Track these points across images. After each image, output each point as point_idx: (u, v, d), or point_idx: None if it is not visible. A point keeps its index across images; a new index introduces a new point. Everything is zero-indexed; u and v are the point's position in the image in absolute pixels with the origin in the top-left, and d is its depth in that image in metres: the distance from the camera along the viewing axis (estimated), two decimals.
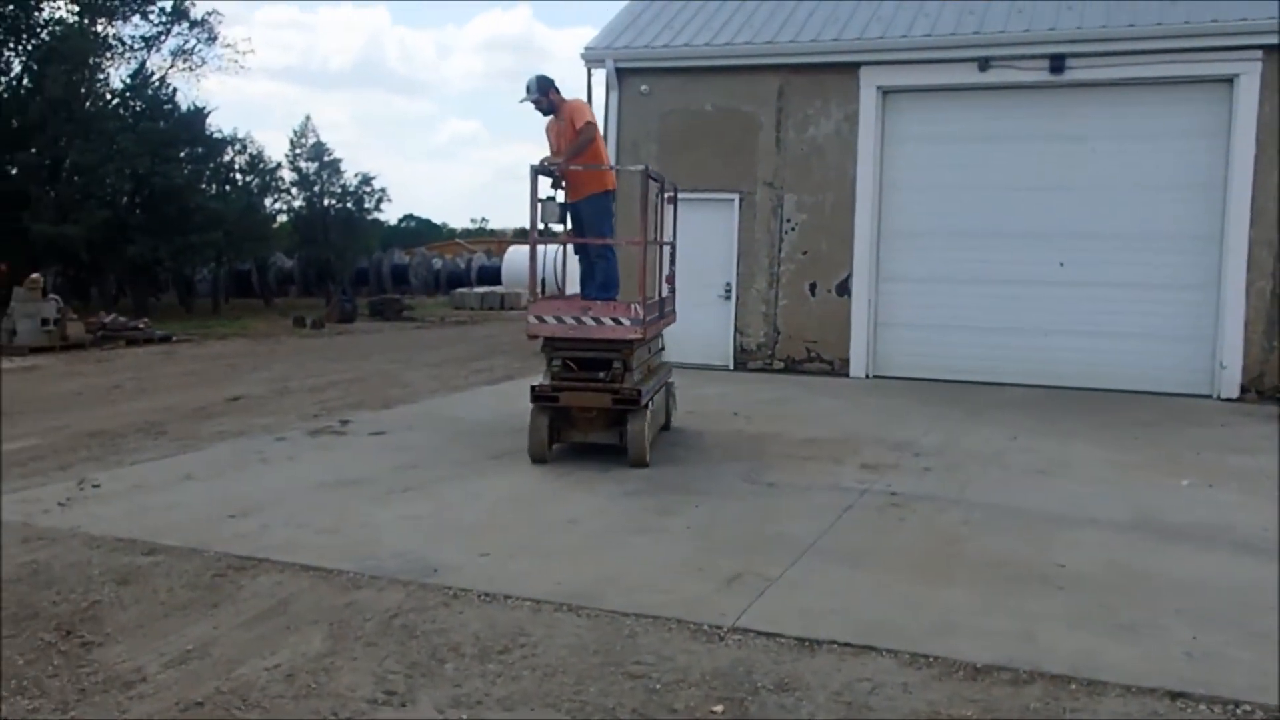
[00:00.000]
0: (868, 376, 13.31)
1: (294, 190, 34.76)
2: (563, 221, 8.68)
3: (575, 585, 5.16)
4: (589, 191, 8.62)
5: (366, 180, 35.90)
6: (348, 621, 4.68)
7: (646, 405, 7.94)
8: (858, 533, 6.25)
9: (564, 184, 8.67)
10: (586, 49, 13.97)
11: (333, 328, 22.96)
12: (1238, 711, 3.93)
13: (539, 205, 8.14)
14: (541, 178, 8.24)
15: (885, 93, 13.20)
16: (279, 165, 33.27)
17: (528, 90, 8.66)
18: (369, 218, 36.99)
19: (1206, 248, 12.25)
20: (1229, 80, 12.04)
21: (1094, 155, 12.57)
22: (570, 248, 9.09)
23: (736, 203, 13.73)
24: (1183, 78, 12.21)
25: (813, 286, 13.58)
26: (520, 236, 53.92)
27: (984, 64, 12.65)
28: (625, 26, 14.45)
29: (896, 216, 13.34)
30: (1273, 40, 11.74)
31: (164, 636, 4.51)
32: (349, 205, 35.67)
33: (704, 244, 13.39)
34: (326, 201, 35.23)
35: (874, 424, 9.96)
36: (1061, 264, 12.73)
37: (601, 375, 7.82)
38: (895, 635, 4.60)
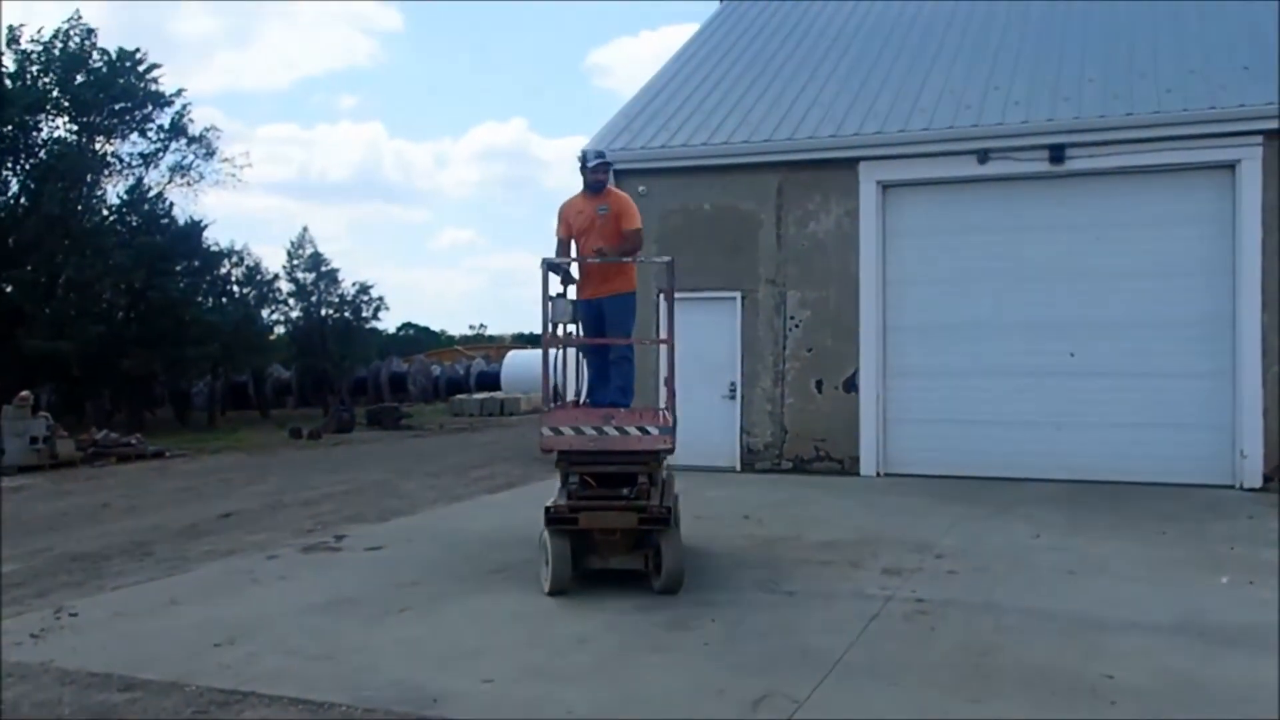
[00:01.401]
0: (879, 475, 12.94)
1: (291, 301, 34.71)
2: (575, 321, 7.89)
3: (588, 712, 4.76)
4: (616, 290, 7.96)
5: (364, 289, 35.91)
6: None
7: (676, 524, 7.22)
8: (887, 644, 5.85)
9: (576, 280, 8.03)
10: (583, 152, 13.88)
11: (330, 438, 22.61)
12: None
13: (550, 303, 7.39)
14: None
15: (885, 187, 13.12)
16: (276, 276, 33.30)
17: (595, 157, 8.01)
18: (367, 326, 36.88)
19: (1219, 334, 12.02)
20: (1231, 166, 11.96)
21: (1099, 243, 12.42)
22: (577, 351, 8.37)
23: (739, 301, 13.54)
24: (1184, 164, 12.13)
25: (819, 384, 13.30)
26: (519, 342, 53.98)
27: (983, 156, 12.60)
28: (622, 129, 14.46)
29: (902, 310, 13.14)
30: (1272, 125, 11.68)
31: None
32: (346, 314, 35.60)
33: (707, 343, 13.17)
34: (324, 311, 35.16)
35: (891, 525, 9.57)
36: (1072, 354, 12.48)
37: (625, 492, 7.01)
38: None
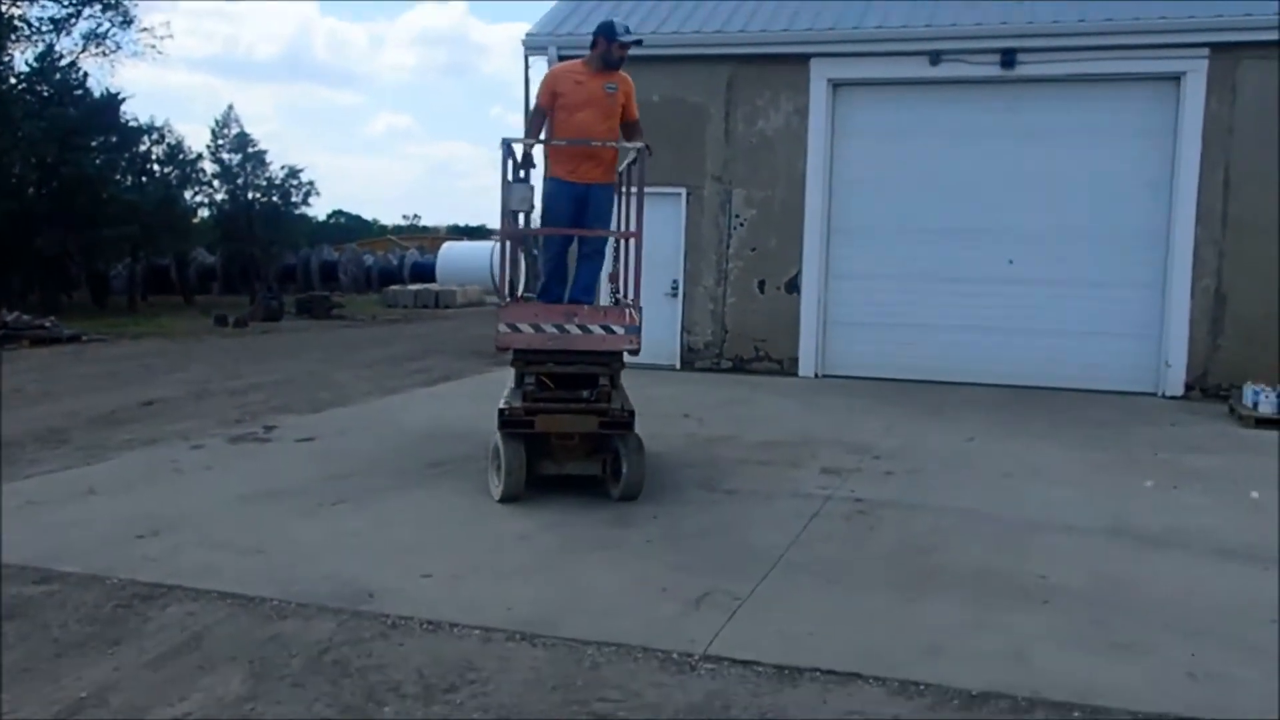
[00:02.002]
0: (817, 376, 13.00)
1: (216, 183, 33.57)
2: (532, 209, 7.09)
3: (529, 610, 4.68)
4: (604, 178, 7.23)
5: (294, 173, 34.83)
6: (271, 658, 4.14)
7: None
8: (827, 544, 5.87)
9: (535, 163, 7.15)
10: (529, 35, 13.45)
11: (257, 326, 22.10)
12: None
13: (508, 188, 6.73)
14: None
15: (836, 85, 12.89)
16: (200, 157, 32.12)
17: (625, 31, 7.07)
18: (296, 212, 35.90)
19: (1154, 245, 12.14)
20: (1176, 78, 11.93)
21: (1044, 151, 12.38)
22: (541, 241, 7.46)
23: (684, 197, 13.31)
24: (1131, 74, 12.08)
25: (761, 284, 13.22)
26: (455, 233, 53.14)
27: (935, 58, 12.40)
28: (569, 13, 13.95)
29: (847, 212, 13.05)
30: (1220, 38, 11.65)
31: (56, 681, 3.93)
32: (275, 199, 34.56)
33: (650, 240, 12.82)
34: (251, 195, 34.08)
35: (829, 425, 9.61)
36: (1011, 261, 12.53)
37: (586, 394, 6.64)
38: (881, 660, 4.21)
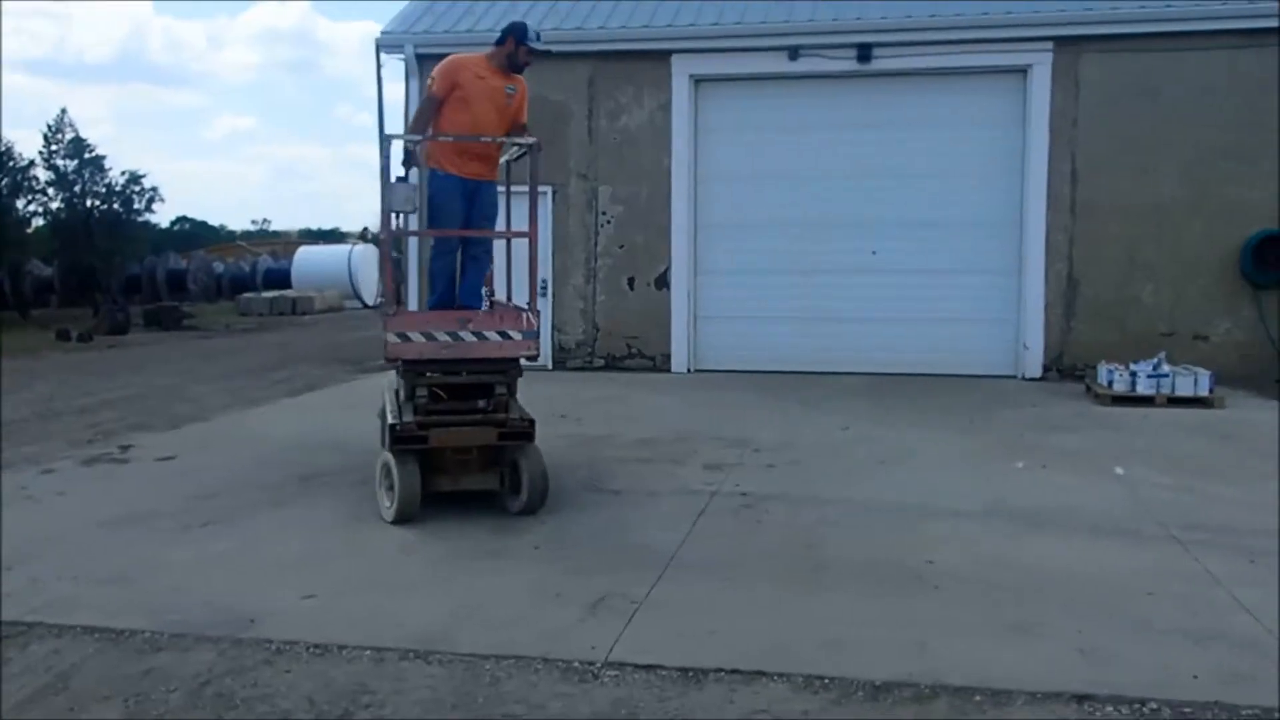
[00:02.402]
0: (690, 371, 13.05)
1: (51, 191, 31.73)
2: (415, 209, 6.72)
3: (422, 626, 4.50)
4: (490, 176, 6.98)
5: (135, 179, 33.05)
6: (147, 694, 3.87)
7: None
8: (717, 540, 5.85)
9: (419, 159, 6.79)
10: (383, 33, 13.10)
11: (103, 340, 20.97)
12: (1145, 710, 3.74)
13: (389, 188, 6.26)
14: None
15: (698, 81, 12.95)
16: (32, 163, 30.29)
17: (536, 38, 6.82)
18: (139, 220, 34.17)
19: (1009, 233, 12.57)
20: (1023, 71, 12.38)
21: (902, 143, 12.70)
22: (422, 243, 7.35)
23: (550, 195, 13.17)
24: (981, 68, 12.49)
25: (631, 281, 13.20)
26: (308, 238, 51.58)
27: (794, 53, 12.58)
28: (424, 11, 13.66)
29: (713, 207, 13.13)
30: (1063, 32, 12.15)
31: None
32: (115, 206, 32.84)
33: (516, 239, 12.74)
34: (90, 203, 32.33)
35: (707, 420, 9.63)
36: (874, 252, 12.81)
37: (482, 404, 6.31)
38: (783, 656, 4.20)
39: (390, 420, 6.25)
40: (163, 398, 11.92)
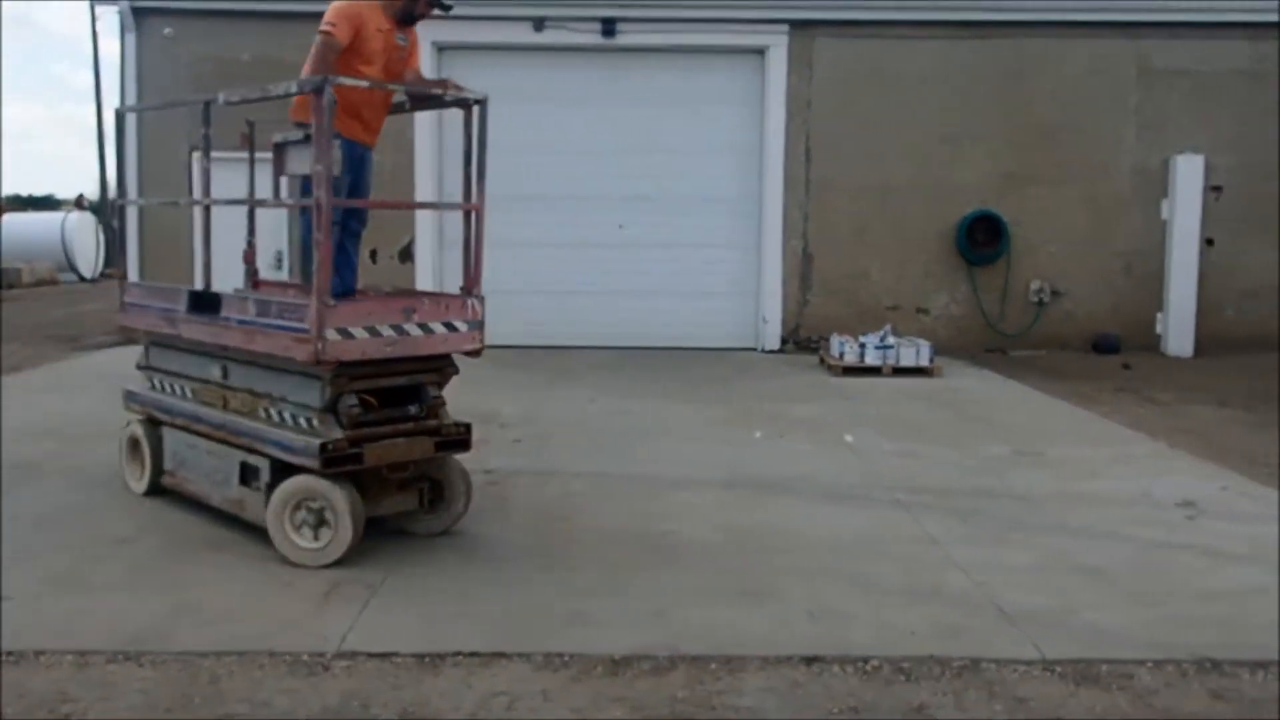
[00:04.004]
0: None
1: None
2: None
3: (134, 626, 4.13)
4: (372, 143, 6.08)
5: None
6: None
7: None
8: (463, 518, 5.68)
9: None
10: None
11: None
12: (867, 668, 3.89)
13: (323, 146, 4.76)
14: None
15: (441, 49, 12.60)
16: None
17: None
18: None
19: (749, 209, 12.98)
20: (761, 52, 12.77)
21: (647, 119, 12.84)
22: (293, 215, 6.22)
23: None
24: (723, 47, 12.79)
25: (374, 253, 12.71)
26: (16, 204, 47.07)
27: (539, 24, 12.47)
28: None
29: (458, 179, 12.80)
30: (798, 15, 12.61)
31: None
32: None
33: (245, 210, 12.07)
34: None
35: (450, 396, 9.37)
36: (621, 226, 12.91)
37: (414, 410, 5.28)
38: (524, 635, 4.12)
39: (322, 441, 4.87)
40: None
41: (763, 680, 3.80)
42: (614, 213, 12.89)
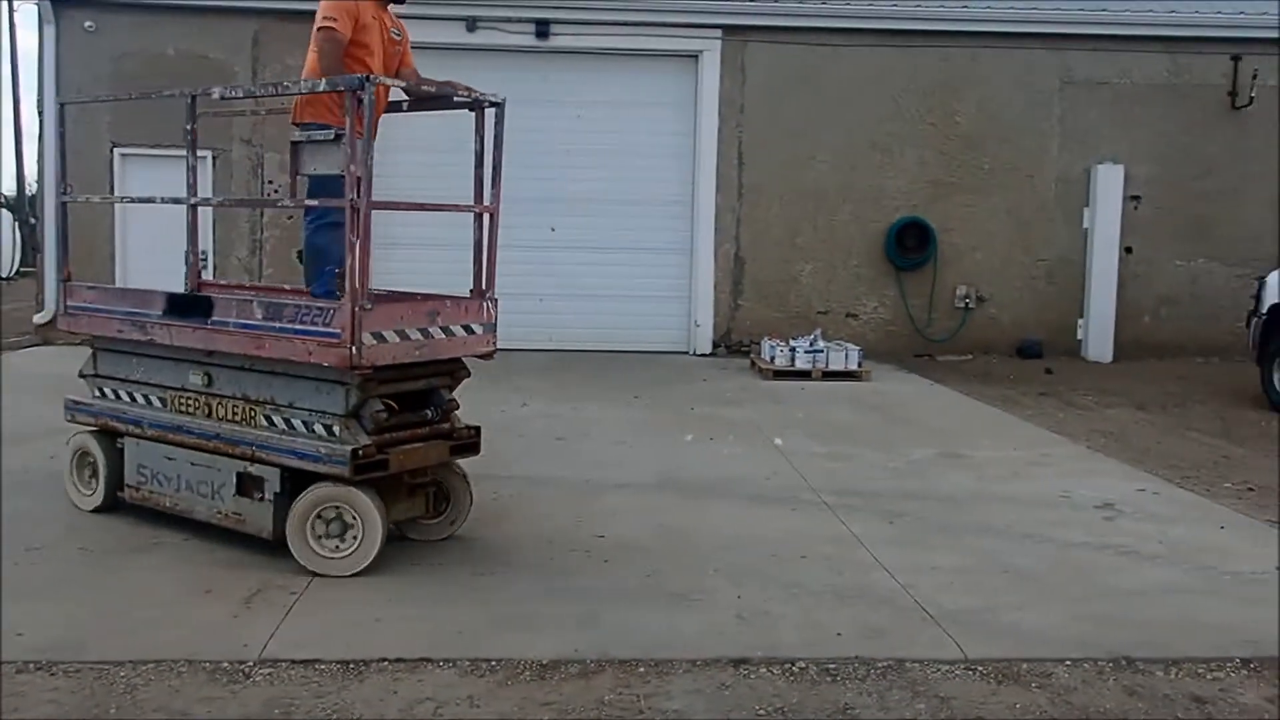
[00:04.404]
0: None
1: None
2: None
3: (46, 635, 4.01)
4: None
5: None
6: None
7: None
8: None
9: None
10: None
11: None
12: (794, 669, 3.91)
13: (342, 143, 4.85)
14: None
15: None
16: None
17: None
18: None
19: (682, 213, 13.04)
20: (695, 56, 12.83)
21: (582, 122, 12.84)
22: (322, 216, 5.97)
23: (210, 161, 12.27)
24: (656, 51, 12.85)
25: (300, 254, 12.53)
26: None
27: (471, 24, 12.41)
28: None
29: (393, 180, 12.66)
30: (731, 21, 12.71)
31: None
32: None
33: (173, 207, 11.84)
34: None
35: None
36: (553, 229, 12.88)
37: (429, 414, 5.19)
38: (451, 640, 4.09)
39: (353, 448, 4.74)
40: None
41: (690, 683, 3.81)
42: (546, 215, 12.85)
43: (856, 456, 7.51)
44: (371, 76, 4.73)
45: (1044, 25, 12.95)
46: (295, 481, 4.89)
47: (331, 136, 5.17)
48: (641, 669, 3.90)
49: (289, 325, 4.86)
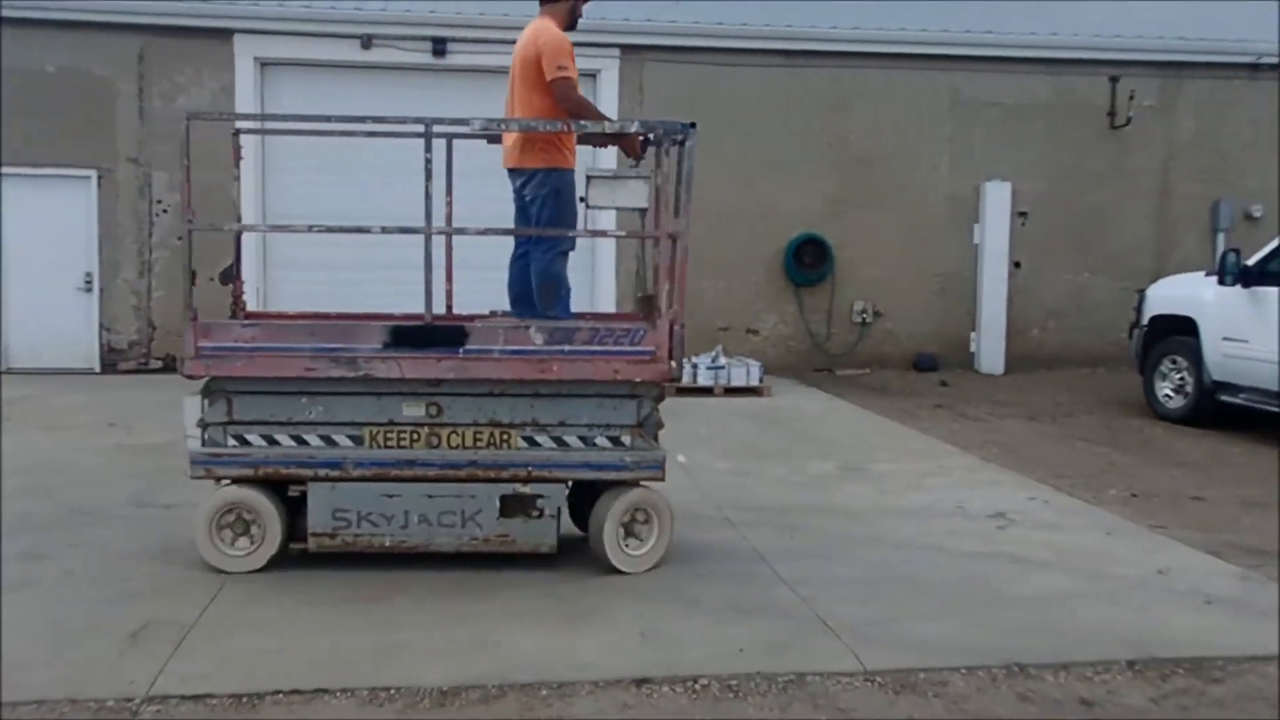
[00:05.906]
0: None
1: None
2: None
3: None
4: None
5: None
6: None
7: None
8: (282, 555, 5.46)
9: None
10: None
11: None
12: (696, 687, 3.92)
13: (606, 183, 5.61)
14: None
15: (264, 65, 12.24)
16: None
17: None
18: None
19: None
20: (593, 75, 12.86)
21: (478, 141, 12.68)
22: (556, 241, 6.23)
23: (94, 180, 11.88)
24: None
25: (223, 277, 12.18)
26: None
27: (367, 42, 12.25)
28: None
29: (287, 199, 12.44)
30: (628, 40, 12.78)
31: None
32: None
33: (57, 227, 11.50)
34: None
35: None
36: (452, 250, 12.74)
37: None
38: (348, 670, 3.99)
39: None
40: None
41: (593, 705, 3.79)
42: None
43: (759, 472, 7.58)
44: (694, 123, 5.21)
45: (933, 47, 13.30)
46: (579, 495, 5.41)
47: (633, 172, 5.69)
48: (544, 692, 3.86)
49: (583, 347, 5.14)
